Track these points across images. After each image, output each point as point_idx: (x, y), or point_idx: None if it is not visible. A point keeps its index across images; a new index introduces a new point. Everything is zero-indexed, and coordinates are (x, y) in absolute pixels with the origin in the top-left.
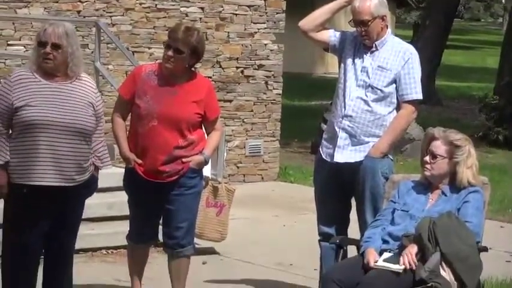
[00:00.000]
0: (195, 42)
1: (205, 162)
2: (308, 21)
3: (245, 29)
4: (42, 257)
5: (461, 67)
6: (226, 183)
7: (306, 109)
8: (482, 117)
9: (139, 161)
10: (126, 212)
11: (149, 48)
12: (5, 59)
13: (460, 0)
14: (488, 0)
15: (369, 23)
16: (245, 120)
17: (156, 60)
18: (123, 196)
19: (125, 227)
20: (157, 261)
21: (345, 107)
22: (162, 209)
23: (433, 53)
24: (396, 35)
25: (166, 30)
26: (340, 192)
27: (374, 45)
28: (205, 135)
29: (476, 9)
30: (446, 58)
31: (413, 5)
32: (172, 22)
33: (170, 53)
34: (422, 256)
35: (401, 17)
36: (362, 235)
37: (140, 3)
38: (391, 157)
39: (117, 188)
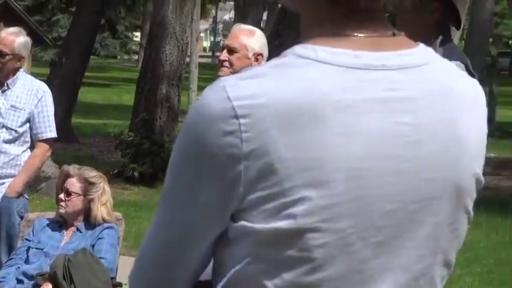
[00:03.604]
0: None
1: None
2: None
3: None
4: None
5: (97, 104)
6: None
7: None
8: (118, 154)
9: None
10: None
11: None
12: None
13: (96, 37)
14: (124, 37)
15: (7, 57)
16: None
17: None
18: None
19: None
20: None
21: None
22: None
23: (70, 91)
24: (33, 74)
25: None
26: None
27: (6, 84)
28: None
29: (113, 47)
30: (83, 96)
31: (50, 42)
32: None
33: None
34: None
35: (38, 54)
36: None
37: None
38: (26, 196)
39: None
